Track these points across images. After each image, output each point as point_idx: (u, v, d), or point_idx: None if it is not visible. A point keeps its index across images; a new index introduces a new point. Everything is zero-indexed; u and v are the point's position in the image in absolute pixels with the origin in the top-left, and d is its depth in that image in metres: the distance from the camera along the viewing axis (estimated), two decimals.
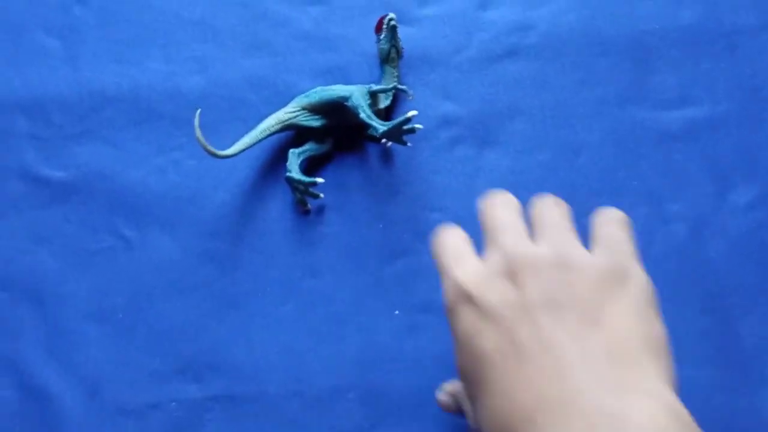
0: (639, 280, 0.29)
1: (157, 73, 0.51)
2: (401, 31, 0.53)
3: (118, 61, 0.52)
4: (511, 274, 0.29)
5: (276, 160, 0.49)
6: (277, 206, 0.47)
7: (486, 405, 0.28)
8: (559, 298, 0.28)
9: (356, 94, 0.46)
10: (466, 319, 0.29)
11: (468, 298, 0.29)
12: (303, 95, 0.47)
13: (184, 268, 0.46)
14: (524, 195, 0.47)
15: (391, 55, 0.48)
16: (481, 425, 0.29)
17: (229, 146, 0.49)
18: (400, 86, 0.46)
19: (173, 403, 0.43)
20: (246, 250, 0.46)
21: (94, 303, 0.45)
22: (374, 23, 0.53)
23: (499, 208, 0.33)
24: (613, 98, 0.50)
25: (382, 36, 0.48)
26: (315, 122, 0.47)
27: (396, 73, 0.49)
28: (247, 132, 0.49)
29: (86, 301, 0.45)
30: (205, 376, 0.43)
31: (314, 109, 0.47)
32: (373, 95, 0.47)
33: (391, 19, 0.47)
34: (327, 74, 0.52)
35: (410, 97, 0.47)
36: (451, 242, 0.33)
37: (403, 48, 0.51)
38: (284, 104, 0.50)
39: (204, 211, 0.47)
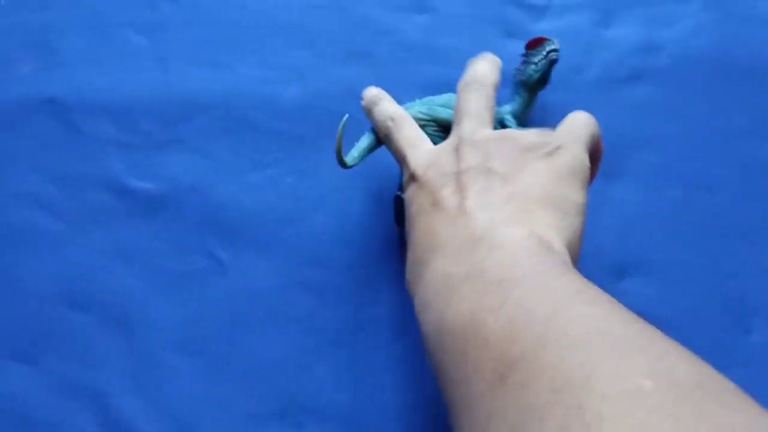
0: (571, 155, 0.31)
1: (251, 80, 0.48)
2: (513, 46, 0.48)
3: (210, 64, 0.48)
4: (457, 151, 0.32)
5: (383, 179, 0.45)
6: (385, 233, 0.43)
7: (407, 259, 0.32)
8: (487, 164, 0.31)
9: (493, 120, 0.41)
10: (409, 193, 0.33)
11: (414, 177, 0.33)
12: (438, 102, 0.40)
13: (281, 297, 0.42)
14: (656, 234, 0.43)
15: (536, 86, 0.42)
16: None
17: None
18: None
19: None
20: (350, 281, 0.42)
21: (185, 331, 0.41)
22: (491, 32, 0.49)
23: (472, 93, 0.35)
24: (750, 131, 0.46)
25: (537, 60, 0.41)
26: (440, 140, 0.40)
27: (531, 105, 0.43)
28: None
29: (176, 328, 0.41)
30: (305, 421, 0.39)
31: (444, 126, 0.40)
32: (501, 123, 0.42)
33: (554, 50, 0.41)
34: (433, 87, 0.47)
35: None
36: (406, 133, 0.36)
37: (550, 82, 0.46)
38: None
39: (303, 236, 0.43)
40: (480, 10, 0.50)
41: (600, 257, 0.42)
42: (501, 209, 0.29)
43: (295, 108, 0.47)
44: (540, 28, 0.49)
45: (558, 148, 0.31)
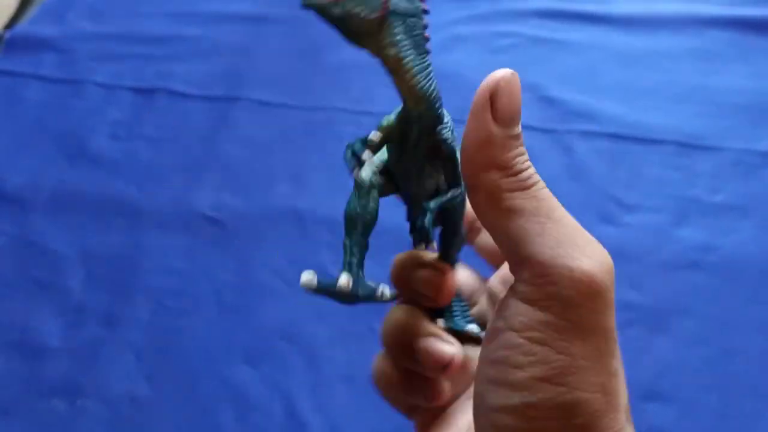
0: None
1: None
2: (608, 230, 0.68)
3: None
4: None
5: None
6: None
7: None
8: None
9: None
10: None
11: None
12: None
13: None
14: (684, 383, 0.59)
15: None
16: None
17: None
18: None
19: None
20: None
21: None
22: None
23: None
24: None
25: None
26: None
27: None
28: None
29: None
30: None
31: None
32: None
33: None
34: None
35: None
36: None
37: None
38: None
39: None
40: (587, 200, 0.71)
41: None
42: None
43: None
44: (628, 219, 0.69)
45: None
